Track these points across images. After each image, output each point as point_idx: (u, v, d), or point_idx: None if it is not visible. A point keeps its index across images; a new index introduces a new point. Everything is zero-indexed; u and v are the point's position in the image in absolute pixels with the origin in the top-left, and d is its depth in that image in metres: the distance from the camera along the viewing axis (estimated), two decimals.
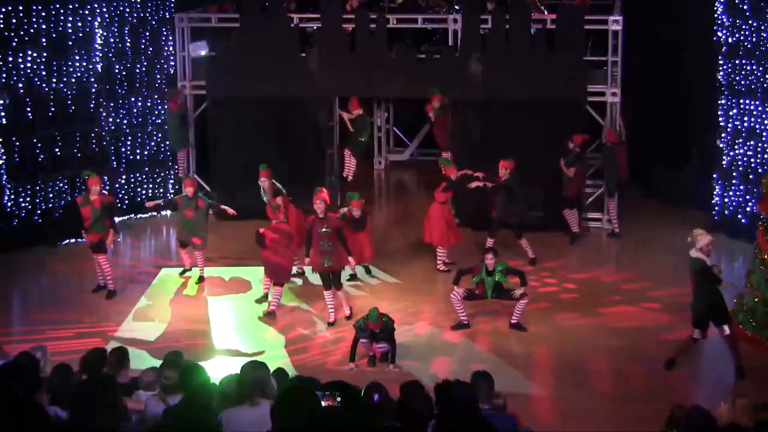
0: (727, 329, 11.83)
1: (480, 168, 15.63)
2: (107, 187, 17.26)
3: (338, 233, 13.39)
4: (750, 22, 15.91)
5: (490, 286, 13.05)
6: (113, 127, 17.66)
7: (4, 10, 15.74)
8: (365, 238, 14.76)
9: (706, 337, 12.06)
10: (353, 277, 15.06)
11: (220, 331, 13.46)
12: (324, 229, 13.28)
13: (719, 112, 16.49)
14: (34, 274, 15.64)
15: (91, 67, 16.92)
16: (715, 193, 16.75)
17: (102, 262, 14.44)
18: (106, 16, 17.20)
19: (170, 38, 18.14)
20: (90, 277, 14.75)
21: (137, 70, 17.92)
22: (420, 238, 15.73)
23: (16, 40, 15.94)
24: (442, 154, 18.16)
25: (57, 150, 16.68)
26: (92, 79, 16.99)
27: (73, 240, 16.43)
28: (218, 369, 11.72)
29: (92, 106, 17.07)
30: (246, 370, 7.05)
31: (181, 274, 15.30)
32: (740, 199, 16.42)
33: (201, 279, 15.08)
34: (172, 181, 18.50)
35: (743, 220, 16.20)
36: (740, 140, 16.31)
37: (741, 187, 16.39)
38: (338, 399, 5.79)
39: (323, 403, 5.73)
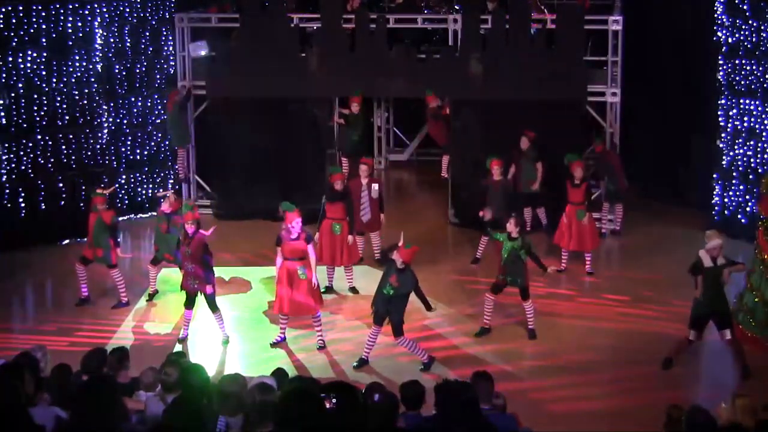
0: (728, 334, 11.79)
1: (479, 168, 15.64)
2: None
3: (199, 256, 12.37)
4: (750, 22, 15.91)
5: (507, 250, 12.79)
6: (113, 127, 17.66)
7: (4, 10, 15.73)
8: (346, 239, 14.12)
9: (702, 339, 12.05)
10: (329, 289, 14.29)
11: (220, 331, 13.45)
12: (187, 250, 12.43)
13: (719, 112, 16.49)
14: (33, 274, 15.61)
15: (91, 67, 16.90)
16: (715, 193, 16.74)
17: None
18: (106, 16, 17.19)
19: (170, 38, 18.12)
20: (90, 277, 14.69)
21: (137, 70, 17.91)
22: (422, 235, 15.73)
23: (16, 40, 15.93)
24: (443, 155, 18.20)
25: (57, 150, 16.66)
26: (92, 79, 16.96)
27: (69, 240, 16.49)
28: (217, 368, 11.77)
29: (92, 106, 17.06)
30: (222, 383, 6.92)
31: None
32: (740, 199, 16.41)
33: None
34: (171, 181, 18.49)
35: (743, 220, 16.20)
36: (740, 140, 16.30)
37: (741, 187, 16.38)
38: (335, 400, 5.77)
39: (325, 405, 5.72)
